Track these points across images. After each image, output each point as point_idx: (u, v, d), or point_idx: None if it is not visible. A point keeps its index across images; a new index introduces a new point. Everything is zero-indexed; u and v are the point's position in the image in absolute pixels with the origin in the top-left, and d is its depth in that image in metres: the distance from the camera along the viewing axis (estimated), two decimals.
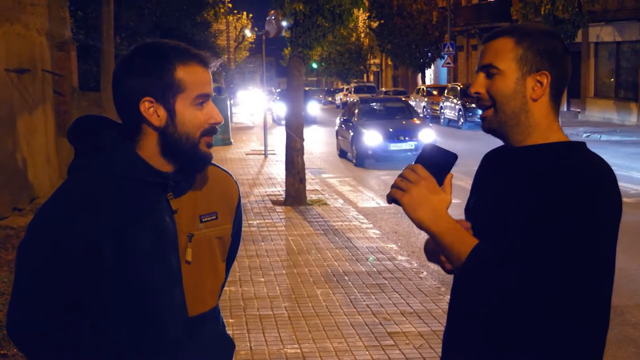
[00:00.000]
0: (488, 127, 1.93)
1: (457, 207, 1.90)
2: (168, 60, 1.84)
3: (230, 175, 2.11)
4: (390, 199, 1.81)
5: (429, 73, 49.30)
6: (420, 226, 1.79)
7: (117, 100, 1.88)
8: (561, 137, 1.89)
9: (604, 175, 1.77)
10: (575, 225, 1.69)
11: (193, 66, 1.86)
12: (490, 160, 2.05)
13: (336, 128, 20.09)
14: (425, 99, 34.01)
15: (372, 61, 61.70)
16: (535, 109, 1.87)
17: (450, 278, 2.11)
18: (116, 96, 1.88)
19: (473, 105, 27.54)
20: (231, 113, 29.40)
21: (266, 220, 9.93)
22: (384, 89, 47.40)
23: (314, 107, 36.03)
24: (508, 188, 1.86)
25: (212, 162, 2.04)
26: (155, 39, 1.96)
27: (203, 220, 1.96)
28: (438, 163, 1.82)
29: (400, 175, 1.80)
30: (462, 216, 2.04)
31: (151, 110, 1.83)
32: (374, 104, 19.90)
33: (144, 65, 1.84)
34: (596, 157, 1.81)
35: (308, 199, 11.26)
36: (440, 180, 1.81)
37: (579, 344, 1.81)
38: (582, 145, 1.86)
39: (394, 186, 1.80)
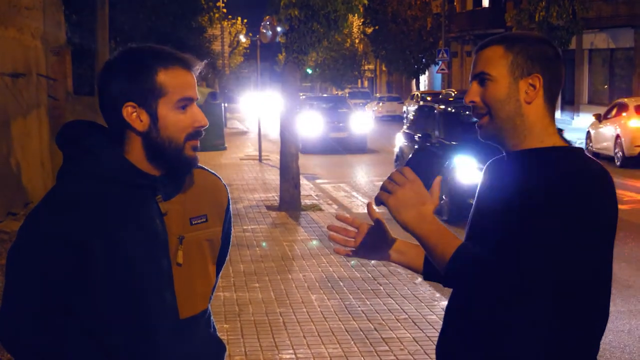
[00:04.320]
0: (485, 134, 1.95)
1: None
2: (149, 65, 1.84)
3: (219, 178, 2.12)
4: (378, 201, 1.83)
5: (423, 79, 49.40)
6: (405, 228, 1.81)
7: (101, 105, 1.89)
8: (557, 141, 1.89)
9: (600, 181, 1.78)
10: (564, 229, 1.70)
11: (175, 70, 1.86)
12: (490, 168, 2.06)
13: None
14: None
15: (366, 67, 61.80)
16: (529, 112, 1.88)
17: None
18: (100, 101, 1.89)
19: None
20: (225, 118, 29.40)
21: (261, 226, 9.92)
22: (378, 95, 47.48)
23: (359, 121, 22.60)
24: (501, 192, 1.87)
25: (202, 165, 2.05)
26: (140, 43, 1.97)
27: (193, 222, 1.97)
28: (427, 166, 1.84)
29: (389, 178, 1.83)
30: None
31: (134, 116, 1.84)
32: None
33: (126, 70, 1.85)
34: (594, 163, 1.81)
35: (302, 204, 11.25)
36: (429, 183, 1.82)
37: (569, 347, 1.81)
38: (579, 150, 1.87)
39: (382, 188, 1.83)
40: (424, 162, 1.85)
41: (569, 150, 1.87)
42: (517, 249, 1.71)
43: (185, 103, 1.87)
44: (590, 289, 1.80)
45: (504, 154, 1.96)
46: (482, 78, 1.90)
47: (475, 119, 1.95)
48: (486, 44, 1.93)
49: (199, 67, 1.92)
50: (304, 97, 26.15)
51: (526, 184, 1.79)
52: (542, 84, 1.88)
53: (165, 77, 1.84)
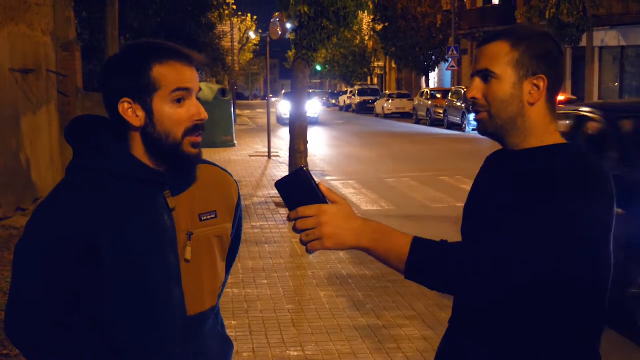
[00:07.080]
0: (484, 130, 1.92)
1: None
2: (144, 60, 1.83)
3: (230, 175, 2.10)
4: (312, 251, 1.72)
5: (433, 76, 49.28)
6: (358, 249, 1.73)
7: (104, 103, 1.90)
8: (558, 140, 1.87)
9: (600, 179, 1.75)
10: (564, 227, 1.67)
11: (171, 63, 1.84)
12: (490, 162, 2.04)
13: None
14: (429, 102, 34.02)
15: (376, 64, 61.69)
16: (532, 113, 1.86)
17: None
18: (103, 98, 1.89)
19: None
20: (235, 115, 29.44)
21: (269, 222, 9.92)
22: (387, 92, 47.43)
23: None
24: (497, 189, 1.86)
25: (212, 162, 2.04)
26: (141, 39, 1.96)
27: (202, 218, 1.95)
28: (301, 189, 1.72)
29: (300, 230, 1.70)
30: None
31: (130, 112, 1.83)
32: None
33: (121, 66, 1.85)
34: (594, 161, 1.78)
35: None
36: (320, 198, 1.71)
37: (566, 346, 1.79)
38: (578, 147, 1.85)
39: (305, 243, 1.71)
40: (294, 188, 1.71)
41: (569, 148, 1.84)
42: (514, 247, 1.68)
43: (181, 96, 1.84)
44: (588, 287, 1.78)
45: (504, 151, 1.94)
46: (485, 75, 1.86)
47: (474, 113, 1.93)
48: (490, 39, 1.89)
49: (199, 59, 1.90)
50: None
51: (526, 183, 1.77)
52: (546, 84, 1.84)
53: (160, 71, 1.82)
